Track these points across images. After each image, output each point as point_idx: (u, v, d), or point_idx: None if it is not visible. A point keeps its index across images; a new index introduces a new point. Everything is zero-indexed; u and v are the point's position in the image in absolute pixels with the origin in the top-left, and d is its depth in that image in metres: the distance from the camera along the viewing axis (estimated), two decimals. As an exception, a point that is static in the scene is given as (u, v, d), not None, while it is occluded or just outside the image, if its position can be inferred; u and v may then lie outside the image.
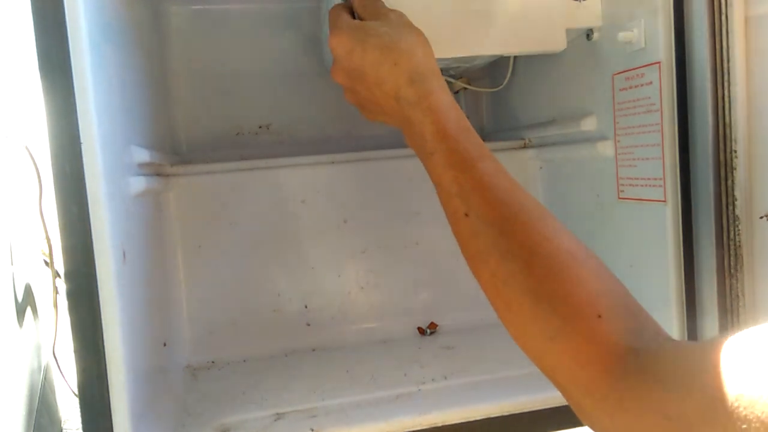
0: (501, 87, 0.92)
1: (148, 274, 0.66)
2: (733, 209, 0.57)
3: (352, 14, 0.55)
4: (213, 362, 0.83)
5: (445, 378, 0.71)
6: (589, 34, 0.71)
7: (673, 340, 0.37)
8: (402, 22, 0.52)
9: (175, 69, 0.93)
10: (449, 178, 0.45)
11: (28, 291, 0.86)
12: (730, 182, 0.57)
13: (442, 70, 0.51)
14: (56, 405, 0.98)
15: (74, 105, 0.46)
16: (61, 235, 0.48)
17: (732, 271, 0.58)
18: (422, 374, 0.72)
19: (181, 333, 0.84)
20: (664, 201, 0.62)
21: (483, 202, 0.43)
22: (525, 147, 0.93)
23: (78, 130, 0.47)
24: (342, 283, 0.91)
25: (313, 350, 0.86)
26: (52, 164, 0.47)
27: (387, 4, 0.55)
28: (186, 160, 0.90)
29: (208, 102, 0.94)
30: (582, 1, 0.68)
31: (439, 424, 0.61)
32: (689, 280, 0.62)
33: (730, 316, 0.59)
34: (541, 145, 0.91)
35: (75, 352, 0.49)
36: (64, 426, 1.04)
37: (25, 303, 0.84)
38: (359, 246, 0.91)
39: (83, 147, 0.47)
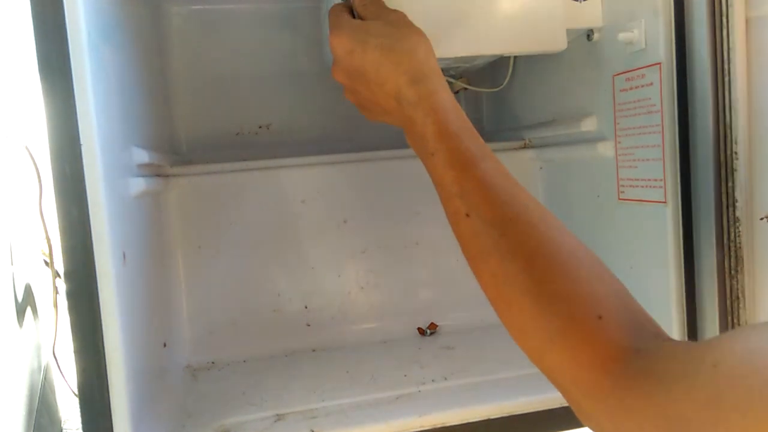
0: (501, 87, 0.92)
1: (148, 275, 0.66)
2: (734, 210, 0.57)
3: (352, 14, 0.55)
4: (213, 362, 0.83)
5: (445, 379, 0.71)
6: (589, 34, 0.71)
7: (673, 341, 0.37)
8: (403, 22, 0.52)
9: (175, 69, 0.93)
10: (450, 179, 0.45)
11: (28, 291, 0.86)
12: (730, 183, 0.57)
13: (442, 70, 0.51)
14: (56, 405, 0.98)
15: (74, 107, 0.47)
16: (61, 236, 0.48)
17: (732, 272, 0.58)
18: (422, 375, 0.72)
19: (181, 333, 0.84)
20: (665, 202, 0.62)
21: (484, 202, 0.43)
22: (525, 147, 0.93)
23: (78, 132, 0.47)
24: (342, 283, 0.91)
25: (313, 350, 0.86)
26: (52, 166, 0.47)
27: (387, 4, 0.55)
28: (186, 160, 0.90)
29: (208, 102, 0.94)
30: (582, 2, 0.68)
31: (439, 426, 0.61)
32: (689, 281, 0.62)
33: (730, 317, 0.59)
34: (541, 146, 0.91)
35: (75, 352, 0.49)
36: (64, 426, 1.04)
37: (25, 303, 0.84)
38: (359, 246, 0.91)
39: (83, 148, 0.47)
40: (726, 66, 0.56)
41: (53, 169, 0.47)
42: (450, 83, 0.94)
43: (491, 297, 0.42)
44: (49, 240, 0.78)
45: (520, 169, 0.92)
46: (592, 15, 0.69)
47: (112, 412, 0.49)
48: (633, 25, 0.64)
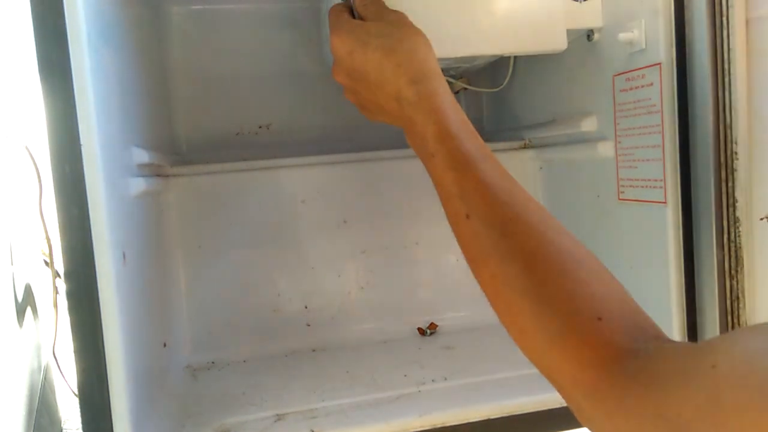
0: (501, 87, 0.92)
1: (148, 275, 0.66)
2: (734, 211, 0.57)
3: (352, 14, 0.55)
4: (213, 362, 0.83)
5: (445, 379, 0.71)
6: (589, 34, 0.71)
7: (673, 342, 0.37)
8: (403, 22, 0.52)
9: (175, 69, 0.93)
10: (450, 179, 0.45)
11: (28, 291, 0.86)
12: (730, 184, 0.57)
13: (442, 70, 0.51)
14: (56, 405, 0.98)
15: (74, 107, 0.47)
16: (61, 236, 0.48)
17: (732, 272, 0.58)
18: (422, 375, 0.72)
19: (181, 333, 0.84)
20: (665, 202, 0.62)
21: (484, 203, 0.43)
22: (525, 147, 0.93)
23: (78, 132, 0.47)
24: (342, 283, 0.91)
25: (313, 350, 0.86)
26: (52, 166, 0.47)
27: (387, 4, 0.55)
28: (186, 160, 0.90)
29: (208, 102, 0.94)
30: (583, 2, 0.68)
31: (439, 426, 0.61)
32: (689, 281, 0.62)
33: (730, 317, 0.59)
34: (541, 146, 0.91)
35: (75, 352, 0.49)
36: (64, 426, 1.04)
37: (25, 303, 0.84)
38: (359, 246, 0.91)
39: (83, 149, 0.47)
40: (726, 66, 0.56)
41: (53, 169, 0.47)
42: (450, 83, 0.94)
43: (491, 298, 0.42)
44: (49, 240, 0.78)
45: (520, 169, 0.92)
46: (592, 15, 0.69)
47: (112, 412, 0.49)
48: (633, 25, 0.64)
